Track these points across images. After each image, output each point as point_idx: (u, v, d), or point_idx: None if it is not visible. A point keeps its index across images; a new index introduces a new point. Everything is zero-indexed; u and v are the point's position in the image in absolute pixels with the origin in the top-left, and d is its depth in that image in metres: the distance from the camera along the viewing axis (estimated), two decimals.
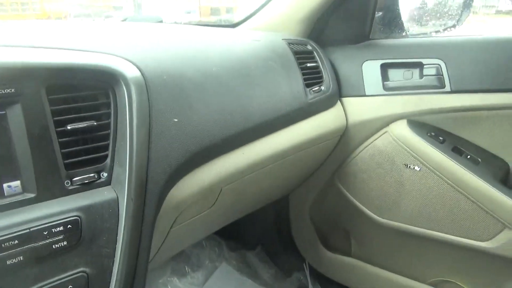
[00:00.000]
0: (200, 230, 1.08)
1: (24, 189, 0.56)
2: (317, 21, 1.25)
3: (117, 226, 0.59)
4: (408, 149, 1.11)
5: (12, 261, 0.50)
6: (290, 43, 1.13)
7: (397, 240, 1.26)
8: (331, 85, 1.16)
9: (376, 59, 1.19)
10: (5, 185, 0.54)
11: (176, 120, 0.70)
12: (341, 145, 1.23)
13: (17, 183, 0.55)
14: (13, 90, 0.54)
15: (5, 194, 0.54)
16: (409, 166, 1.12)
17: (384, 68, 1.18)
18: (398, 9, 1.32)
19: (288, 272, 1.60)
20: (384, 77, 1.17)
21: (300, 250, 1.58)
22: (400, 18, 1.31)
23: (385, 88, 1.16)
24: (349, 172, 1.25)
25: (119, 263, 0.58)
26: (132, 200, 0.60)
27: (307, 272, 1.55)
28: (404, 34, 1.31)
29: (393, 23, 1.32)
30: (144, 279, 0.63)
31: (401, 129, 1.13)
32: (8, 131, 0.54)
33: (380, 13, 1.32)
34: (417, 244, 1.22)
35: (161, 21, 1.22)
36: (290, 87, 1.01)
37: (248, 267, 1.64)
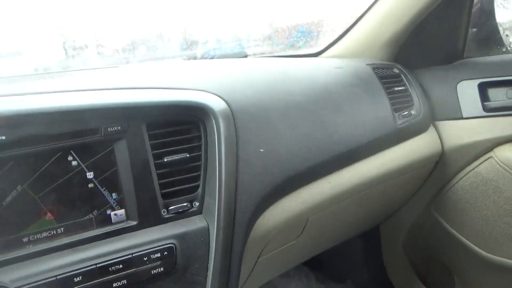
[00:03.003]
0: (287, 261, 1.06)
1: (128, 217, 0.61)
2: (403, 44, 1.21)
3: (208, 254, 0.61)
4: None
5: (117, 284, 0.55)
6: (375, 67, 1.10)
7: None
8: (422, 109, 1.10)
9: (472, 79, 1.09)
10: (112, 213, 0.61)
11: (262, 150, 0.72)
12: (437, 172, 1.14)
13: (122, 211, 0.61)
14: (119, 128, 0.61)
15: (112, 221, 0.60)
16: None
17: (483, 87, 1.08)
18: (495, 23, 1.21)
19: None
20: (484, 97, 1.07)
21: (396, 286, 1.46)
22: (499, 33, 1.20)
23: (485, 109, 1.06)
24: (448, 201, 1.15)
25: None
26: (221, 229, 0.62)
27: None
28: (504, 50, 1.20)
29: (490, 39, 1.21)
30: None
31: (510, 153, 1.00)
32: (115, 164, 0.61)
33: (475, 29, 1.23)
34: None
35: (245, 56, 1.28)
36: (377, 112, 0.98)
37: None
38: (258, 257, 0.80)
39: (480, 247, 1.10)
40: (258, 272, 0.85)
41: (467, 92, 1.09)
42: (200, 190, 0.66)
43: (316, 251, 1.17)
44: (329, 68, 1.05)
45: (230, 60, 1.15)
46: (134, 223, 0.61)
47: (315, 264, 1.61)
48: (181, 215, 0.64)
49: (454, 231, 1.15)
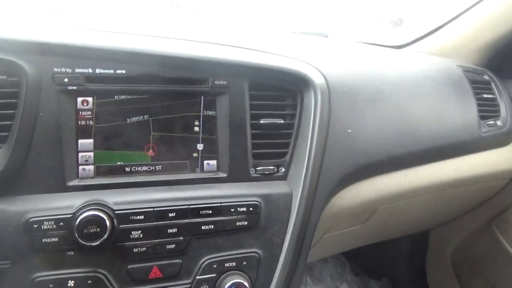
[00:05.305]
0: (345, 243, 1.08)
1: (219, 168, 0.64)
2: (498, 51, 1.15)
3: (289, 218, 0.63)
4: None
5: (205, 227, 0.58)
6: (466, 70, 1.06)
7: None
8: (509, 121, 1.05)
9: None
10: (205, 162, 0.64)
11: (350, 131, 0.72)
12: (510, 188, 1.09)
13: (214, 162, 0.64)
14: (225, 82, 0.63)
15: (204, 169, 0.64)
16: None
17: None
18: None
19: None
20: None
21: None
22: None
23: None
24: None
25: (286, 253, 0.62)
26: (304, 198, 0.64)
27: None
28: None
29: None
30: (302, 272, 0.66)
31: None
32: (215, 116, 0.63)
33: None
34: None
35: (327, 36, 1.26)
36: (463, 116, 0.95)
37: None
38: (324, 234, 0.82)
39: None
40: (318, 248, 0.87)
41: None
42: (287, 157, 0.68)
43: (372, 241, 1.17)
44: (420, 62, 1.02)
45: (317, 37, 1.14)
46: (224, 175, 0.64)
47: (353, 255, 1.61)
48: (267, 177, 0.66)
49: None
